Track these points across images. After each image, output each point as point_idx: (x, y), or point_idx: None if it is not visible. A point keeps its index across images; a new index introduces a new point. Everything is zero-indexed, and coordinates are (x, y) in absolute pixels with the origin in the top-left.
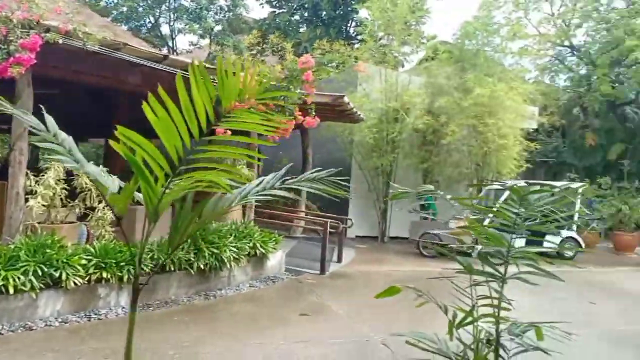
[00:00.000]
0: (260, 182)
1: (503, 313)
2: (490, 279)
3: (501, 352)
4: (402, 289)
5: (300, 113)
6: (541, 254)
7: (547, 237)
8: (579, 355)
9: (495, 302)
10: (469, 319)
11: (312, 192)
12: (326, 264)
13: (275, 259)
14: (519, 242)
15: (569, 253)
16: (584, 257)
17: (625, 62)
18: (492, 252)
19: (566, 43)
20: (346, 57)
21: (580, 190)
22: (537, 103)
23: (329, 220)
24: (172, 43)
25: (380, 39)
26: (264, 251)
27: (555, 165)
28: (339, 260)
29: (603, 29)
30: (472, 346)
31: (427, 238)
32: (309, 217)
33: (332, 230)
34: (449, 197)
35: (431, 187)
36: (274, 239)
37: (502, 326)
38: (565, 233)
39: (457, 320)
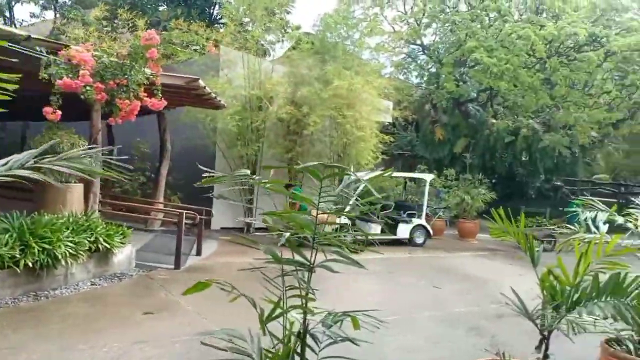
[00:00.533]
0: (8, 162)
1: (349, 301)
2: (300, 268)
3: (314, 344)
4: (211, 283)
5: (146, 94)
6: (395, 241)
7: (400, 226)
8: (414, 338)
9: (311, 291)
10: (278, 311)
11: (172, 183)
12: (182, 257)
13: (123, 254)
14: (376, 230)
15: (419, 240)
16: (432, 243)
17: (467, 63)
18: (300, 240)
19: (418, 42)
20: (204, 40)
21: (429, 181)
22: (392, 98)
23: (185, 211)
24: (10, 14)
25: (241, 23)
26: (108, 246)
27: (410, 158)
28: (198, 253)
29: (448, 29)
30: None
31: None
32: (166, 209)
33: (189, 222)
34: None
35: (247, 171)
36: (121, 232)
37: (318, 317)
38: (415, 221)
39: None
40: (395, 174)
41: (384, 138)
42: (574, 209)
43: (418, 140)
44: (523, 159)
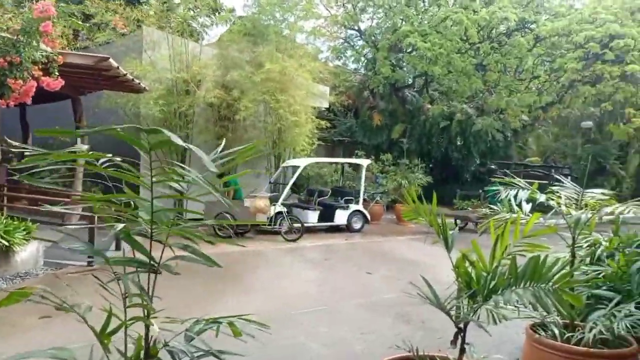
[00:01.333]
0: None
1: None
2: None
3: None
4: (30, 293)
5: (42, 73)
6: (333, 227)
7: (338, 212)
8: (339, 329)
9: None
10: (119, 323)
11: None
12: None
13: (27, 252)
14: (313, 217)
15: (357, 226)
16: (370, 228)
17: (402, 48)
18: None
19: (355, 27)
20: (125, 19)
21: (365, 166)
22: (328, 83)
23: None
24: None
25: (165, 2)
26: (7, 243)
27: (350, 144)
28: (117, 247)
29: (383, 14)
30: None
31: (222, 218)
32: (78, 200)
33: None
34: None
35: (84, 146)
36: (24, 227)
37: (185, 325)
38: (353, 207)
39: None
40: (332, 159)
41: (320, 124)
42: (495, 188)
43: (357, 127)
44: (458, 143)
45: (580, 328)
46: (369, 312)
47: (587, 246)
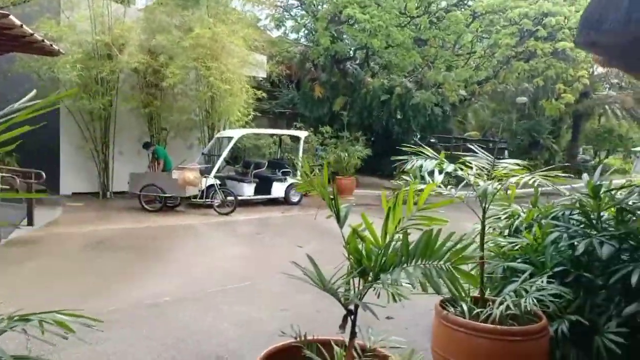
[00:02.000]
0: None
1: None
2: None
3: None
4: None
5: None
6: (271, 200)
7: (275, 185)
8: (256, 308)
9: None
10: None
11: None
12: (3, 229)
13: None
14: (249, 190)
15: (295, 198)
16: (308, 201)
17: (341, 19)
18: None
19: None
20: None
21: (303, 138)
22: (266, 52)
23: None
24: None
25: None
26: None
27: (292, 116)
28: (30, 223)
29: None
30: None
31: (149, 191)
32: None
33: (6, 187)
34: None
35: None
36: None
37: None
38: (291, 180)
39: None
40: (268, 131)
41: (256, 94)
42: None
43: (299, 99)
44: (398, 116)
45: (491, 303)
46: (292, 288)
47: (506, 218)
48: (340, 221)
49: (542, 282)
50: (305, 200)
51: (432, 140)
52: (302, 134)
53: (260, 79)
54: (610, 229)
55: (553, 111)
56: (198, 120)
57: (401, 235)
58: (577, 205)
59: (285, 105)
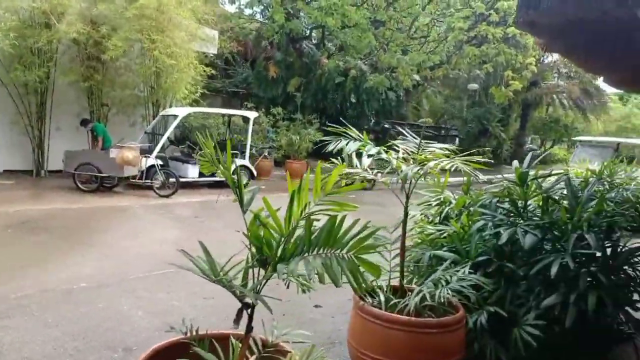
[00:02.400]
0: None
1: None
2: None
3: None
4: None
5: None
6: (217, 182)
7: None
8: (166, 299)
9: None
10: None
11: None
12: None
13: None
14: (193, 172)
15: (243, 180)
16: (256, 184)
17: None
18: None
19: None
20: None
21: (252, 119)
22: (218, 26)
23: None
24: None
25: None
26: None
27: (247, 96)
28: None
29: None
30: None
31: (85, 170)
32: None
33: None
34: None
35: None
36: None
37: None
38: (238, 162)
39: None
40: (215, 110)
41: (205, 70)
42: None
43: (253, 78)
44: (352, 100)
45: (410, 293)
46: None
47: (437, 205)
48: (244, 206)
49: (464, 272)
50: (252, 183)
51: (385, 125)
52: (252, 114)
53: (211, 55)
54: (536, 218)
55: (502, 98)
56: (143, 96)
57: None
58: (506, 193)
59: (240, 85)
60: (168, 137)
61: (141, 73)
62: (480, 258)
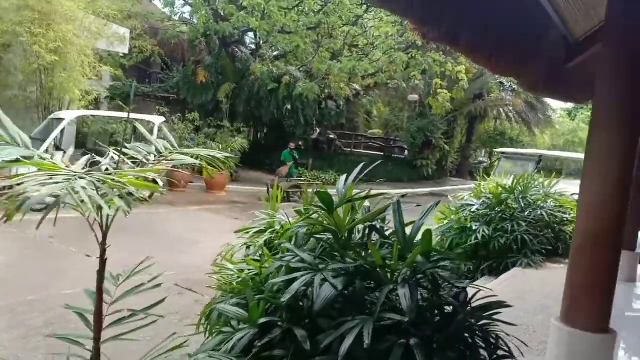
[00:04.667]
0: None
1: None
2: None
3: None
4: None
5: None
6: None
7: None
8: None
9: None
10: None
11: None
12: None
13: None
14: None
15: (145, 194)
16: (167, 197)
17: None
18: None
19: None
20: None
21: (158, 125)
22: (128, 24)
23: None
24: None
25: None
26: None
27: (177, 102)
28: None
29: None
30: None
31: None
32: None
33: None
34: None
35: None
36: None
37: None
38: None
39: None
40: (112, 113)
41: (111, 71)
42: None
43: (181, 83)
44: (288, 107)
45: None
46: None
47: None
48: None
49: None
50: (161, 196)
51: (331, 136)
52: (158, 119)
53: (121, 54)
54: (350, 260)
55: (439, 109)
56: (35, 98)
57: None
58: (319, 221)
59: (170, 90)
60: (55, 144)
61: (22, 71)
62: (263, 320)
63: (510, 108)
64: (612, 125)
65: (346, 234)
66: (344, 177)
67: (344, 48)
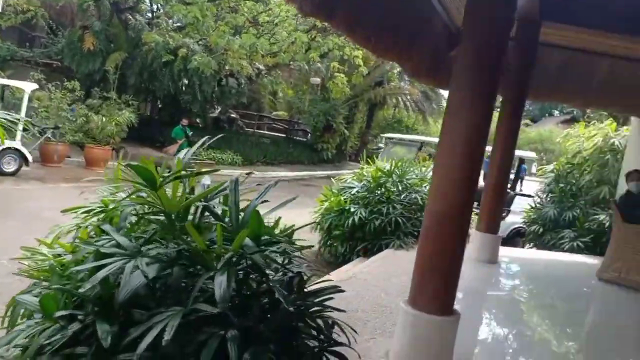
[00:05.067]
0: None
1: None
2: None
3: None
4: None
5: None
6: None
7: None
8: None
9: None
10: None
11: None
12: None
13: None
14: None
15: (9, 168)
16: (38, 172)
17: None
18: None
19: None
20: None
21: (28, 92)
22: None
23: None
24: None
25: None
26: None
27: (60, 70)
28: None
29: None
30: None
31: None
32: None
33: None
34: None
35: None
36: None
37: None
38: (6, 143)
39: None
40: None
41: None
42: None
43: (65, 49)
44: (185, 82)
45: None
46: None
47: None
48: None
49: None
50: (32, 170)
51: (232, 115)
52: (29, 86)
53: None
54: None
55: (338, 94)
56: None
57: None
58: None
59: (54, 56)
60: None
61: None
62: (61, 313)
63: (408, 97)
64: (461, 111)
65: (180, 215)
66: (184, 150)
67: (246, 24)
